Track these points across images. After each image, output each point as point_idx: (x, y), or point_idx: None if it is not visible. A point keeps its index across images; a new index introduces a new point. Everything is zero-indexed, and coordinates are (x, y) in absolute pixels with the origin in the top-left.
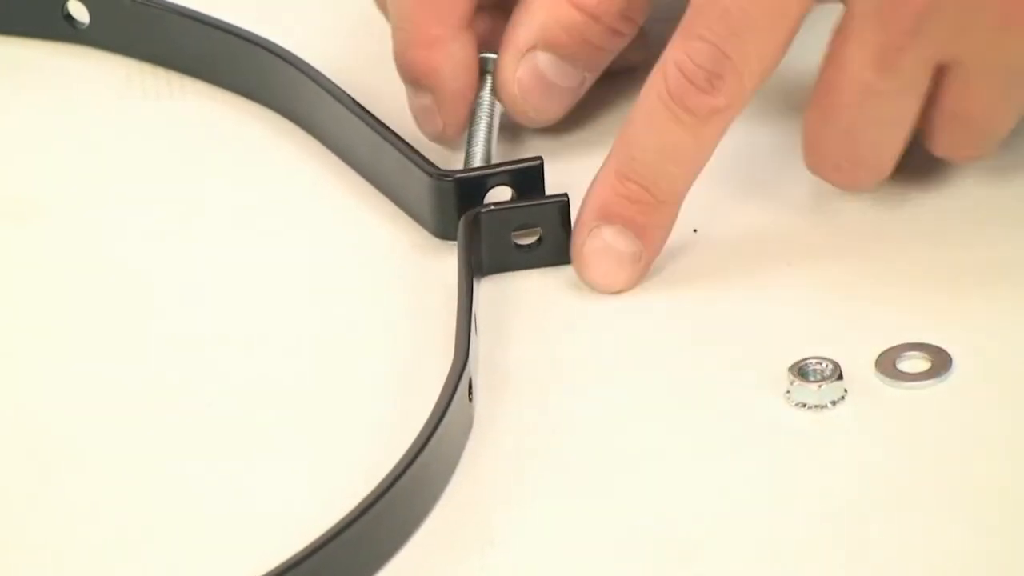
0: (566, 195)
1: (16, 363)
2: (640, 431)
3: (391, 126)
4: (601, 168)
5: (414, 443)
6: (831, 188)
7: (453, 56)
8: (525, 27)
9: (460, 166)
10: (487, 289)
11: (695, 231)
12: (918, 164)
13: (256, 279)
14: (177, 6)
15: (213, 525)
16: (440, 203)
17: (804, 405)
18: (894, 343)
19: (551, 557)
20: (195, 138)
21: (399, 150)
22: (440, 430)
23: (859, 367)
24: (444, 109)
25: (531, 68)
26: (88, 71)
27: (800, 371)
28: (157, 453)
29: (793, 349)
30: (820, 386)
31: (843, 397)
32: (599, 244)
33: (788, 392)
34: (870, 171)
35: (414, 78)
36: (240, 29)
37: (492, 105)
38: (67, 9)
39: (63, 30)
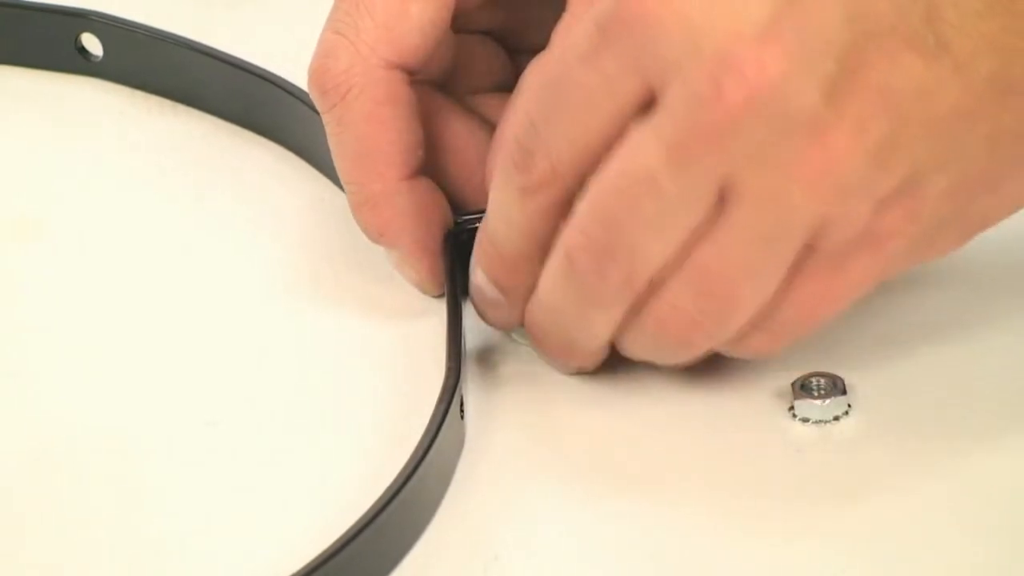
0: None
1: (19, 380)
2: (639, 448)
3: None
4: None
5: (408, 462)
6: None
7: (399, 210)
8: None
9: None
10: None
11: None
12: None
13: (252, 298)
14: (192, 41)
15: (206, 546)
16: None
17: (808, 420)
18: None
19: (551, 573)
20: (206, 172)
21: None
22: (434, 449)
23: (862, 381)
24: (411, 262)
25: None
26: (101, 103)
27: (803, 386)
28: (156, 466)
29: (796, 364)
30: (824, 401)
31: (847, 412)
32: (474, 282)
33: (792, 408)
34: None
35: (371, 238)
36: (254, 66)
37: None
38: (81, 42)
39: (76, 63)
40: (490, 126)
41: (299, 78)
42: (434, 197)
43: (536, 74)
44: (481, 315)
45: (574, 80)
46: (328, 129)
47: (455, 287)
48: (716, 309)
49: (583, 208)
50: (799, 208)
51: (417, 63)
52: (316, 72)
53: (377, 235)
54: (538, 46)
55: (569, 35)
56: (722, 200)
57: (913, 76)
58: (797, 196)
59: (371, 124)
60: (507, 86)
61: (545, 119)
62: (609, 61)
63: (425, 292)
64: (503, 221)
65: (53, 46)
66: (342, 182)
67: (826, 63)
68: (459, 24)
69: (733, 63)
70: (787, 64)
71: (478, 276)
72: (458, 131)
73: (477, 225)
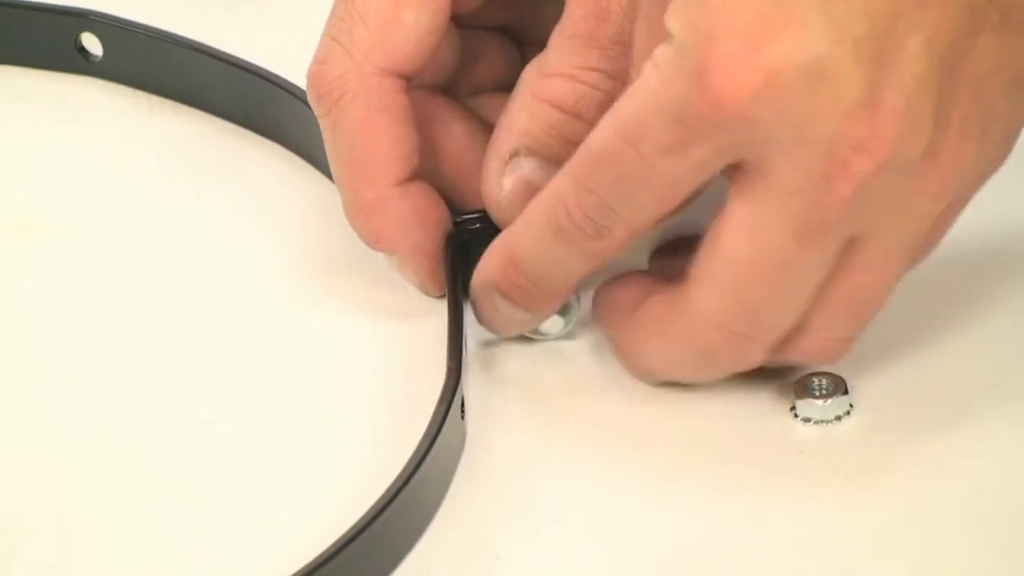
0: None
1: (19, 380)
2: (640, 448)
3: None
4: (497, 239)
5: (409, 462)
6: None
7: (393, 216)
8: (506, 133)
9: None
10: None
11: None
12: None
13: (253, 298)
14: (191, 41)
15: (206, 546)
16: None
17: (809, 420)
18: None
19: (551, 573)
20: (206, 172)
21: None
22: (434, 449)
23: (864, 381)
24: (411, 266)
25: (516, 175)
26: (101, 103)
27: (805, 387)
28: (156, 466)
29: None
30: (825, 401)
31: (848, 412)
32: (490, 306)
33: (794, 408)
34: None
35: (368, 243)
36: (254, 66)
37: None
38: (80, 41)
39: (77, 62)
40: (490, 128)
41: (299, 78)
42: (430, 201)
43: (594, 156)
44: (489, 327)
45: (658, 170)
46: (324, 135)
47: (456, 288)
48: (869, 319)
49: (712, 303)
50: (928, 214)
51: (412, 69)
52: (312, 77)
53: (374, 241)
54: (546, 42)
55: (626, 115)
56: (853, 240)
57: (990, 55)
58: (924, 207)
59: (364, 131)
60: (514, 84)
61: (621, 203)
62: (699, 151)
63: (427, 294)
64: (558, 270)
65: (53, 46)
66: (338, 188)
67: (929, 101)
68: (466, 21)
69: (853, 142)
70: (899, 124)
71: (498, 301)
72: (458, 135)
73: (477, 226)
